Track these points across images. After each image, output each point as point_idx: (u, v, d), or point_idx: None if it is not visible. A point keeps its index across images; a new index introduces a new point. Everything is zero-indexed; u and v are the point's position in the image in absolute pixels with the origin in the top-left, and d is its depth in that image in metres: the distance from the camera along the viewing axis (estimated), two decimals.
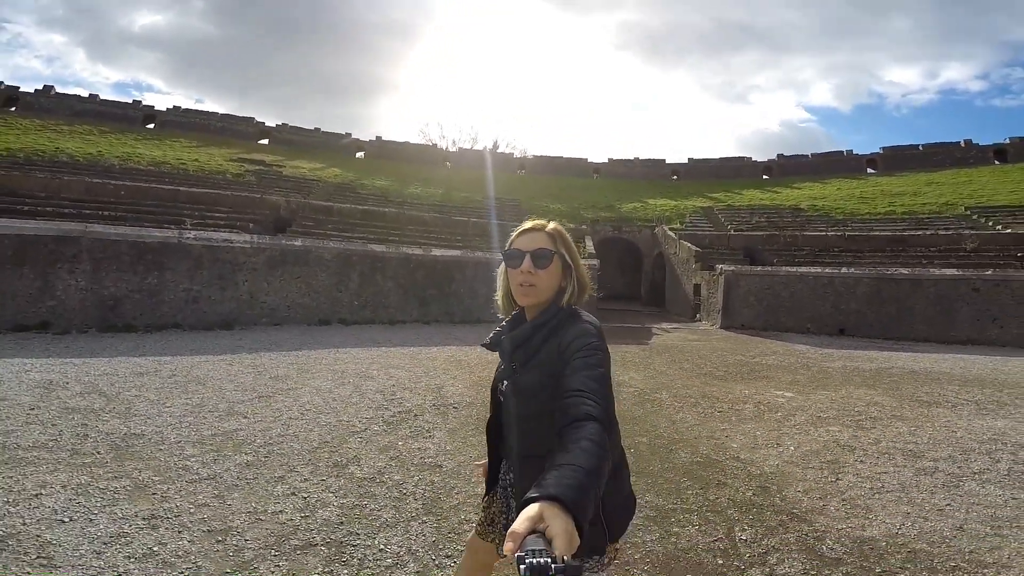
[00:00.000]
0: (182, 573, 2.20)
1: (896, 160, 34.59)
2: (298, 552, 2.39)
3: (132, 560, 2.25)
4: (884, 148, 36.08)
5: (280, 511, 2.80)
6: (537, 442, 1.22)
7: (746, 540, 2.70)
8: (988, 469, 3.80)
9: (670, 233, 20.46)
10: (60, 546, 2.32)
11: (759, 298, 13.76)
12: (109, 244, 10.00)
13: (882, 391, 6.61)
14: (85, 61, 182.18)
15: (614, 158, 41.70)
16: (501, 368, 1.40)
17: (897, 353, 10.04)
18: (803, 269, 14.02)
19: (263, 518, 2.72)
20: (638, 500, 2.99)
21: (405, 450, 3.84)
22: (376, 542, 2.55)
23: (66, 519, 2.56)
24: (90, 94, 35.84)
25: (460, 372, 6.88)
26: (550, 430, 1.10)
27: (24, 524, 2.48)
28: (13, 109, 31.96)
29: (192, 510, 2.75)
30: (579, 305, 1.34)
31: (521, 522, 0.75)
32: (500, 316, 1.45)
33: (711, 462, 3.87)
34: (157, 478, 3.11)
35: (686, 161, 40.27)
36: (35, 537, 2.38)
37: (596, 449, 0.94)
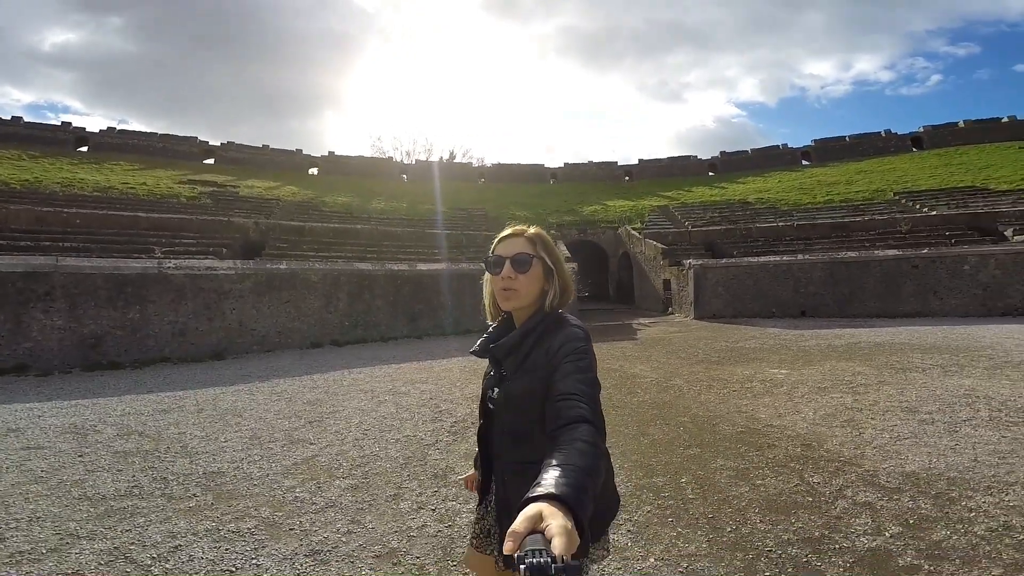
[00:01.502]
0: None
1: (827, 151, 37.39)
2: None
3: None
4: (815, 140, 38.90)
5: (423, 524, 2.94)
6: (530, 449, 1.22)
7: (819, 482, 3.24)
8: (973, 417, 4.52)
9: (634, 233, 21.41)
10: None
11: (727, 288, 14.74)
12: (83, 278, 9.56)
13: (859, 362, 7.43)
14: None
15: (569, 163, 42.85)
16: (490, 376, 1.40)
17: (858, 329, 11.10)
18: (763, 258, 15.14)
19: (414, 534, 2.84)
20: (717, 465, 3.54)
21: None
22: None
23: (233, 568, 2.51)
24: (12, 116, 33.51)
25: (479, 378, 7.21)
26: (542, 436, 1.13)
27: None
28: None
29: (344, 539, 2.78)
30: (563, 308, 1.35)
31: (521, 522, 0.75)
32: (489, 323, 1.46)
33: (751, 430, 4.41)
34: (280, 513, 3.11)
35: (636, 162, 41.89)
36: None
37: (591, 450, 0.96)
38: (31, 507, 3.22)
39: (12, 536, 2.85)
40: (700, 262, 15.27)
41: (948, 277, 13.29)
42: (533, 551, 0.69)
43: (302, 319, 11.83)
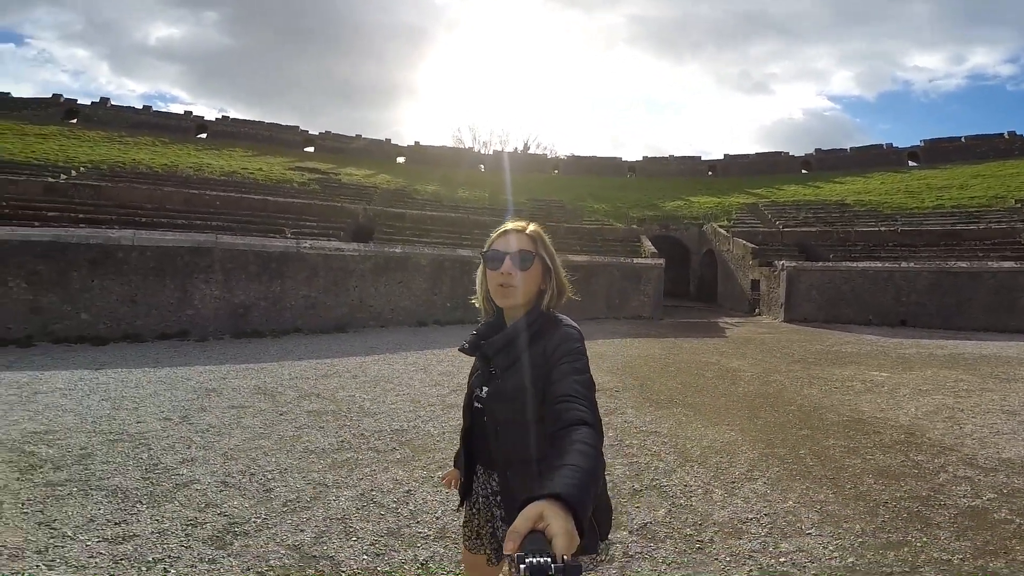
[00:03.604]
0: None
1: (938, 153, 34.64)
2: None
3: None
4: (925, 141, 36.13)
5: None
6: (522, 446, 1.22)
7: (922, 460, 3.81)
8: None
9: (721, 231, 21.29)
10: None
11: (820, 292, 14.60)
12: (237, 254, 10.81)
13: (963, 371, 7.52)
14: (109, 74, 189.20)
15: (648, 156, 42.37)
16: (477, 373, 1.39)
17: (963, 341, 10.84)
18: (863, 264, 14.80)
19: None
20: (829, 443, 4.18)
21: (618, 422, 4.98)
22: (674, 480, 3.69)
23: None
24: (143, 106, 37.74)
25: (593, 363, 8.01)
26: (533, 434, 1.14)
27: None
28: (74, 121, 33.66)
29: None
30: (558, 308, 1.35)
31: (521, 521, 0.76)
32: (479, 319, 1.46)
33: (856, 420, 4.93)
34: None
35: (722, 157, 40.78)
36: None
37: (591, 451, 0.97)
38: (274, 460, 3.63)
39: (276, 487, 3.21)
40: (794, 264, 15.18)
41: None
42: (533, 551, 0.70)
43: (411, 299, 13.09)
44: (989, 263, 13.80)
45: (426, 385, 6.05)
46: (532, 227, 1.36)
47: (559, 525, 0.75)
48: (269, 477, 3.36)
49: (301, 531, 2.72)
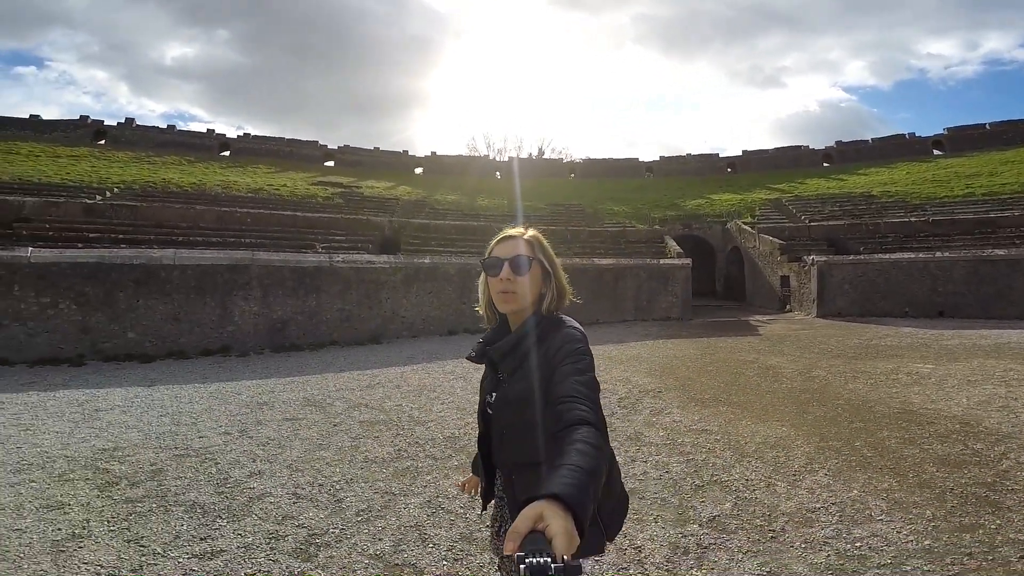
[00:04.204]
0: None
1: (963, 140, 33.81)
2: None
3: None
4: (948, 129, 35.29)
5: (646, 459, 3.99)
6: (530, 450, 1.22)
7: (982, 448, 3.81)
8: None
9: (746, 227, 21.11)
10: None
11: (853, 285, 14.39)
12: (274, 270, 11.10)
13: (1010, 360, 7.38)
14: (129, 95, 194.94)
15: (665, 155, 42.15)
16: (487, 380, 1.41)
17: (1006, 331, 10.58)
18: (896, 255, 14.56)
19: (643, 477, 3.88)
20: (884, 435, 4.15)
21: (666, 422, 5.06)
22: (733, 475, 3.76)
23: None
24: (168, 125, 38.59)
25: (626, 365, 8.07)
26: (540, 438, 1.14)
27: None
28: (102, 142, 34.37)
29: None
30: (559, 311, 1.36)
31: (521, 521, 0.76)
32: (483, 326, 1.47)
33: (907, 412, 4.92)
34: None
35: (740, 153, 40.38)
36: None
37: (593, 451, 0.96)
38: (338, 470, 3.70)
39: (346, 497, 3.28)
40: (824, 258, 14.99)
41: None
42: (533, 551, 0.70)
43: (441, 308, 13.27)
44: None
45: (468, 393, 6.10)
46: (530, 232, 1.38)
47: (558, 525, 0.75)
48: (337, 487, 3.42)
49: (379, 540, 2.76)
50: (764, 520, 2.90)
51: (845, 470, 3.56)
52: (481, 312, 1.44)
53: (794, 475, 3.50)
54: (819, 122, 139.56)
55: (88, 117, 36.32)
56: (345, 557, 2.62)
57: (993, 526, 2.71)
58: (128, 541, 2.72)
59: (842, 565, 2.44)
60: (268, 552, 2.66)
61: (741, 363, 7.95)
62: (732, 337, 11.10)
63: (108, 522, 2.92)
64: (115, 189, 20.60)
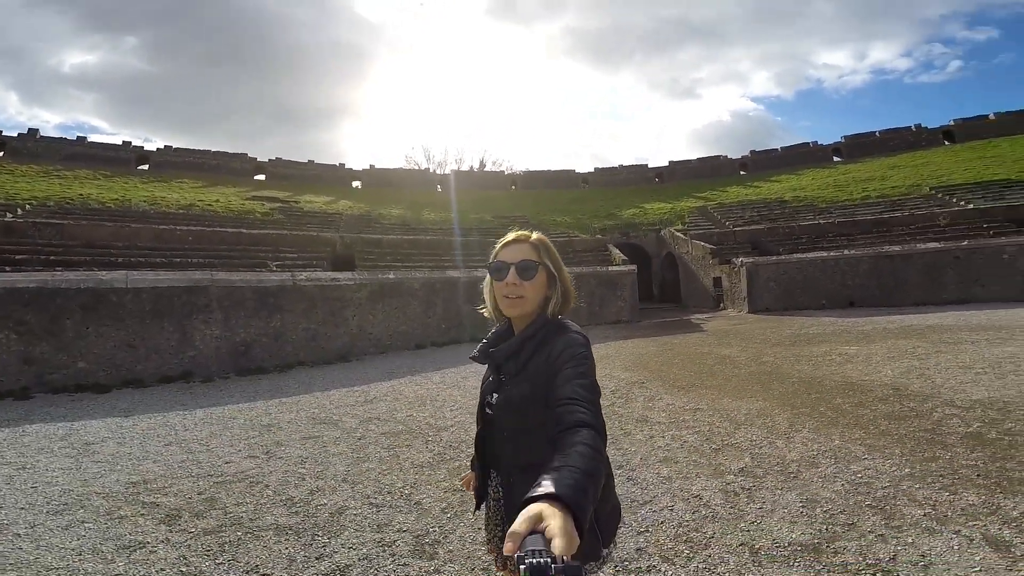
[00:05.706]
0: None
1: (858, 147, 38.19)
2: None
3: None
4: (845, 137, 39.73)
5: (660, 446, 4.61)
6: (530, 453, 1.24)
7: (915, 406, 4.77)
8: (1017, 369, 5.96)
9: (679, 234, 22.80)
10: None
11: (778, 283, 16.08)
12: (234, 290, 10.67)
13: (916, 340, 8.78)
14: (19, 104, 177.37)
15: (600, 167, 44.20)
16: (489, 381, 1.43)
17: (907, 316, 12.36)
18: (811, 255, 16.45)
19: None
20: (838, 401, 5.10)
21: (662, 404, 5.73)
22: (739, 438, 4.45)
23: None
24: (77, 136, 35.68)
25: (603, 363, 8.74)
26: (543, 440, 1.15)
27: None
28: (1, 154, 31.48)
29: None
30: (564, 314, 1.37)
31: (521, 522, 0.76)
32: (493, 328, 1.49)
33: (849, 383, 5.93)
34: None
35: (667, 164, 43.10)
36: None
37: (592, 453, 0.98)
38: (395, 478, 3.74)
39: (423, 500, 3.37)
40: (751, 260, 16.63)
41: (989, 267, 14.45)
42: (533, 551, 0.70)
43: (408, 323, 13.29)
44: (917, 245, 15.70)
45: (468, 400, 6.23)
46: (536, 236, 1.39)
47: (558, 525, 0.75)
48: (407, 493, 3.45)
49: (480, 529, 2.68)
50: (780, 466, 3.63)
51: (822, 428, 4.40)
52: (487, 314, 1.46)
53: (785, 434, 4.30)
54: (731, 131, 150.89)
55: None
56: (466, 548, 2.73)
57: (947, 457, 3.58)
58: (248, 572, 2.63)
59: (857, 488, 3.19)
60: (391, 558, 2.68)
61: (700, 355, 8.88)
62: (682, 334, 12.16)
63: (207, 556, 2.78)
64: (27, 206, 18.89)
